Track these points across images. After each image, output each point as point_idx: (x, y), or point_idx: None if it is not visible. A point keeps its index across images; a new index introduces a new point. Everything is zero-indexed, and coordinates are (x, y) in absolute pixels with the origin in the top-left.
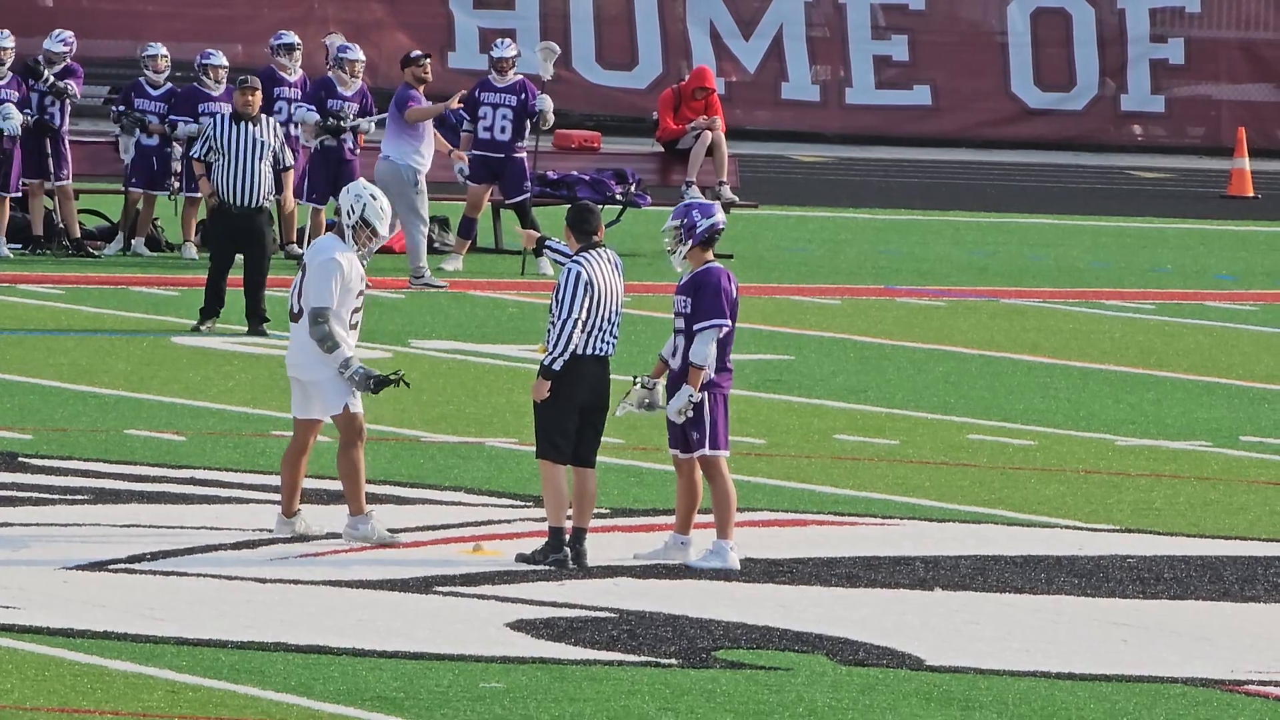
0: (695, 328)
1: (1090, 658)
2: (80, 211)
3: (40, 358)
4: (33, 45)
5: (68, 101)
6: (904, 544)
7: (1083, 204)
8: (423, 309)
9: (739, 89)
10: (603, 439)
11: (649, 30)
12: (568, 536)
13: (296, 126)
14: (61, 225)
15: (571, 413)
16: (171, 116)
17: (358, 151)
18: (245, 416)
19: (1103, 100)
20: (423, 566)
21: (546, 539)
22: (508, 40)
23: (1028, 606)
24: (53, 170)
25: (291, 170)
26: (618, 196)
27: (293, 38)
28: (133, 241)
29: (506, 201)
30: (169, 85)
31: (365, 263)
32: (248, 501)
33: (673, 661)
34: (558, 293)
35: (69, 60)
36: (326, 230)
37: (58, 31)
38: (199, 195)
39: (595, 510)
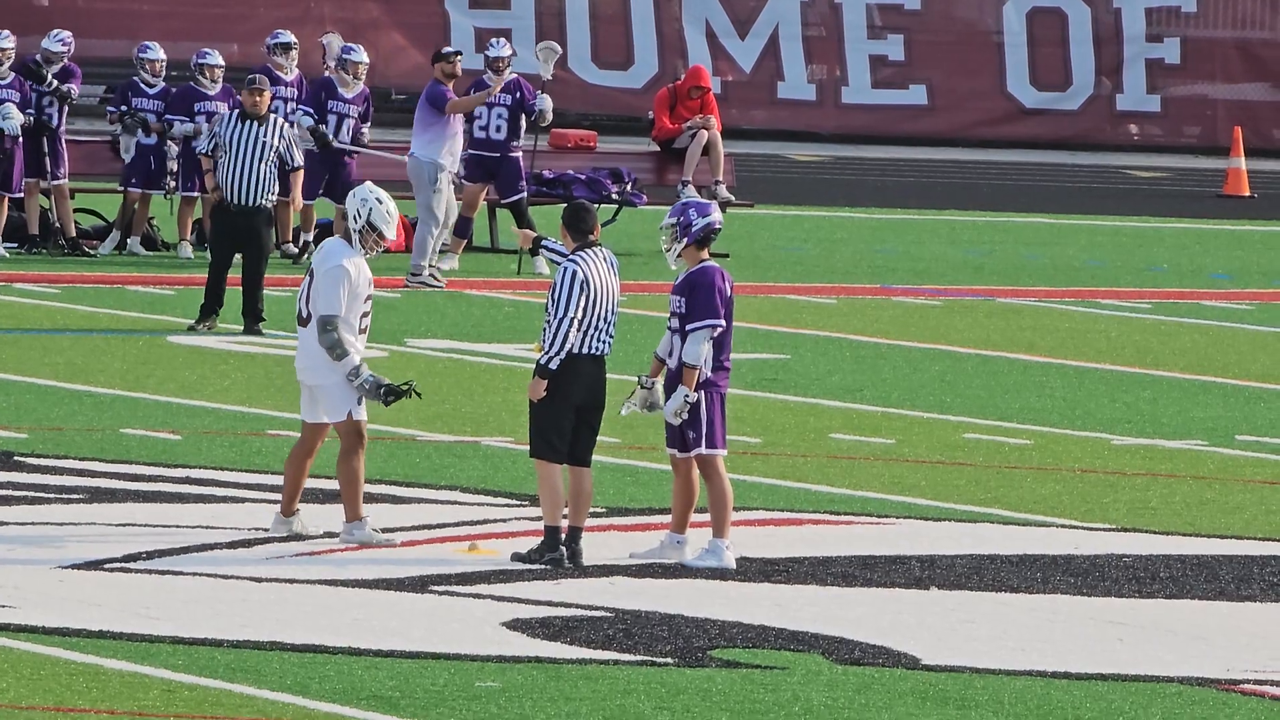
0: (688, 327)
1: (1086, 657)
2: (76, 210)
3: (36, 357)
4: (29, 45)
5: (68, 104)
6: (900, 543)
7: (1079, 203)
8: (419, 308)
9: (735, 88)
10: (599, 438)
11: (645, 30)
12: (564, 535)
13: (293, 127)
14: (57, 224)
15: (568, 411)
16: (168, 116)
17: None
18: (241, 415)
19: (1099, 100)
20: (418, 566)
21: (542, 538)
22: (503, 40)
23: (1024, 605)
24: (49, 169)
25: (300, 171)
26: (614, 196)
27: (289, 37)
28: (128, 241)
29: (502, 201)
30: (163, 84)
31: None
32: (243, 501)
33: (668, 660)
34: (554, 292)
35: (67, 60)
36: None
37: (56, 31)
38: (195, 194)
39: (591, 509)
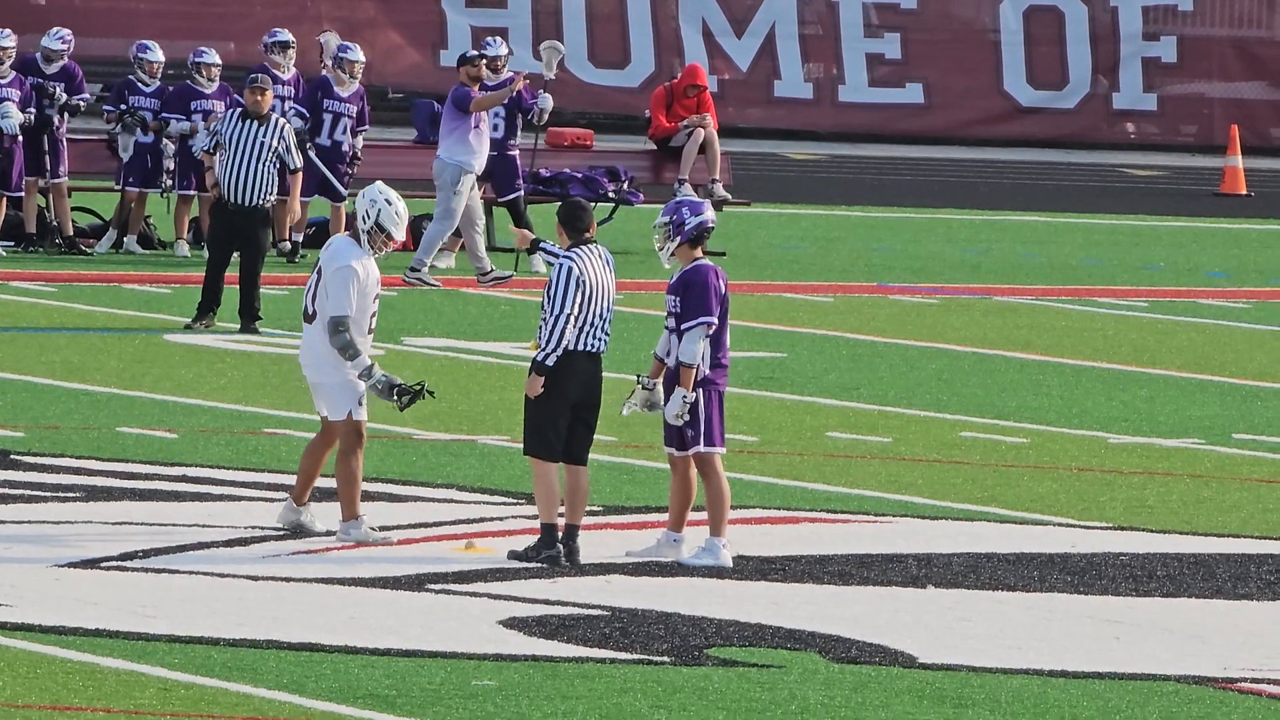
0: (683, 326)
1: (1083, 655)
2: (73, 209)
3: (32, 355)
4: (26, 43)
5: (77, 108)
6: (897, 541)
7: (1075, 202)
8: (416, 307)
9: (731, 87)
10: (596, 436)
11: (641, 28)
12: (560, 534)
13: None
14: (55, 223)
15: (564, 409)
16: (164, 114)
17: (351, 170)
18: (237, 414)
19: (1095, 98)
20: (415, 564)
21: (539, 536)
22: (499, 39)
23: (1021, 604)
24: (49, 167)
25: (299, 174)
26: (610, 194)
27: (287, 36)
28: (125, 239)
29: (499, 199)
30: (159, 83)
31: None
32: (240, 499)
33: (665, 659)
34: (549, 289)
35: (67, 58)
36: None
37: (56, 29)
38: (191, 193)
39: (588, 508)
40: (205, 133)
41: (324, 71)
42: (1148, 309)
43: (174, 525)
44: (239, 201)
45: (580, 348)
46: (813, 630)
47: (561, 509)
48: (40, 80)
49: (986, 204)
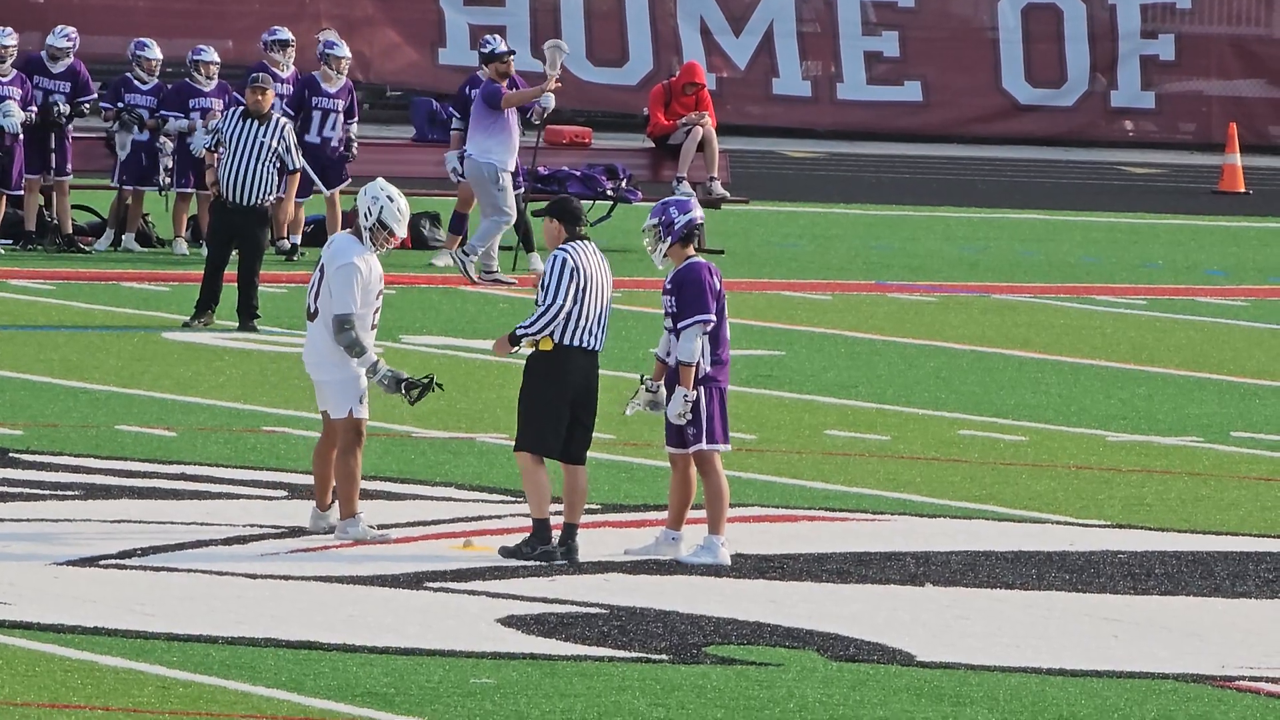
0: (680, 325)
1: (1081, 653)
2: (71, 207)
3: (31, 353)
4: (26, 41)
5: (82, 112)
6: (895, 539)
7: (1074, 199)
8: (414, 304)
9: (730, 85)
10: (595, 435)
11: (639, 26)
12: (561, 531)
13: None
14: (55, 221)
15: (562, 405)
16: (162, 111)
17: (351, 155)
18: (236, 412)
19: (1094, 96)
20: (413, 562)
21: (532, 531)
22: (497, 37)
23: (1019, 602)
24: (55, 165)
25: (297, 174)
26: (609, 192)
27: (286, 34)
28: (123, 237)
29: None
30: (157, 81)
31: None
32: (238, 497)
33: (663, 657)
34: (544, 281)
35: (72, 56)
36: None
37: (60, 27)
38: (189, 191)
39: (586, 506)
40: (203, 131)
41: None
42: (1146, 307)
43: (172, 523)
44: (238, 200)
45: (576, 344)
46: (811, 628)
47: (555, 507)
48: (44, 89)
49: (985, 202)
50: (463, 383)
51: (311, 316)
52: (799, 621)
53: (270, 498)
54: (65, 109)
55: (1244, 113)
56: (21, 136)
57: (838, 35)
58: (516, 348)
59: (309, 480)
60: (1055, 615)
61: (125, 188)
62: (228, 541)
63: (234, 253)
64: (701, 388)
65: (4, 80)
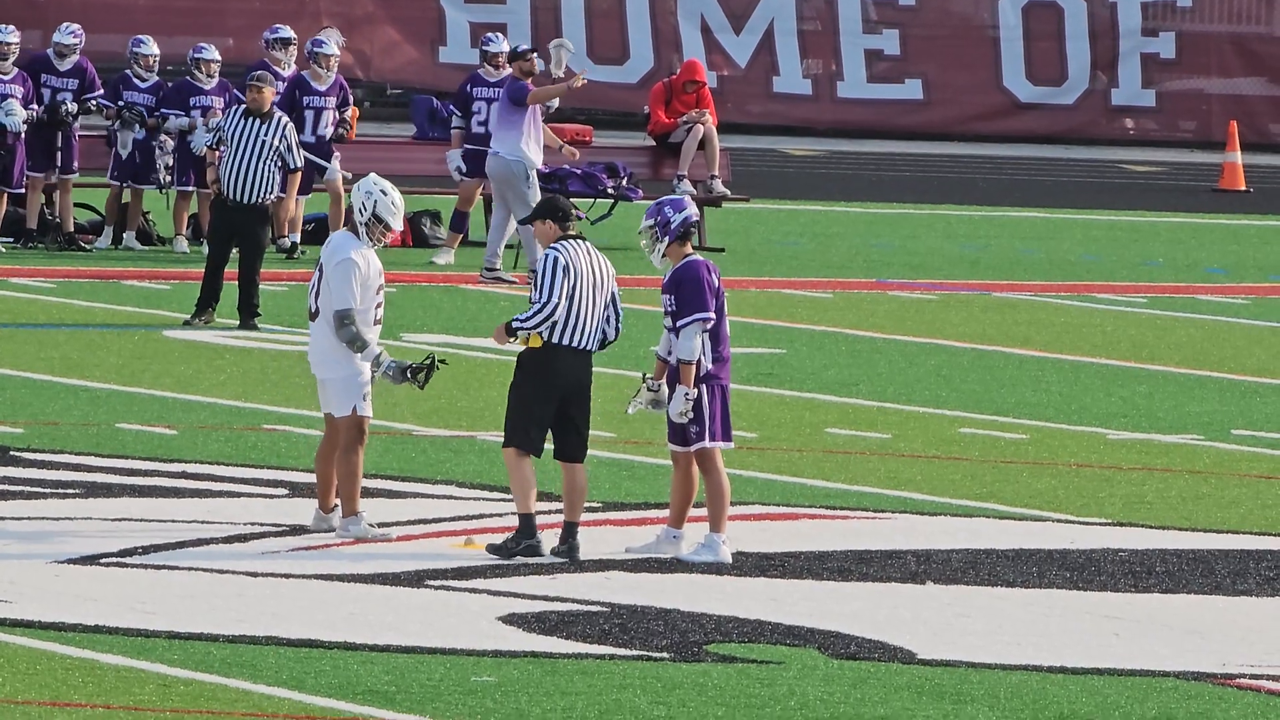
0: (679, 324)
1: (1082, 651)
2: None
3: (31, 351)
4: (27, 39)
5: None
6: (896, 538)
7: (1074, 198)
8: (414, 302)
9: (730, 83)
10: (595, 433)
11: (640, 25)
12: (557, 530)
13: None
14: (56, 219)
15: (548, 404)
16: (163, 109)
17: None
18: (237, 410)
19: (1094, 94)
20: (414, 560)
21: (517, 527)
22: (499, 35)
23: (1019, 600)
24: (60, 163)
25: (299, 173)
26: (609, 191)
27: (288, 32)
28: (124, 235)
29: None
30: (156, 78)
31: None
32: (239, 495)
33: (664, 655)
34: (538, 279)
35: (78, 54)
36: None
37: (66, 24)
38: (190, 189)
39: (587, 504)
40: (204, 129)
41: (305, 71)
42: (1146, 305)
43: (173, 521)
44: (239, 199)
45: (565, 343)
46: (812, 626)
47: (555, 505)
48: (52, 87)
49: (985, 200)
50: (464, 381)
51: (313, 316)
52: (800, 619)
53: (271, 496)
54: (73, 107)
55: (1244, 111)
56: (23, 134)
57: (838, 33)
58: (513, 339)
59: (310, 478)
60: (1056, 613)
61: (119, 184)
62: (228, 540)
63: (235, 251)
64: (703, 385)
65: (5, 78)
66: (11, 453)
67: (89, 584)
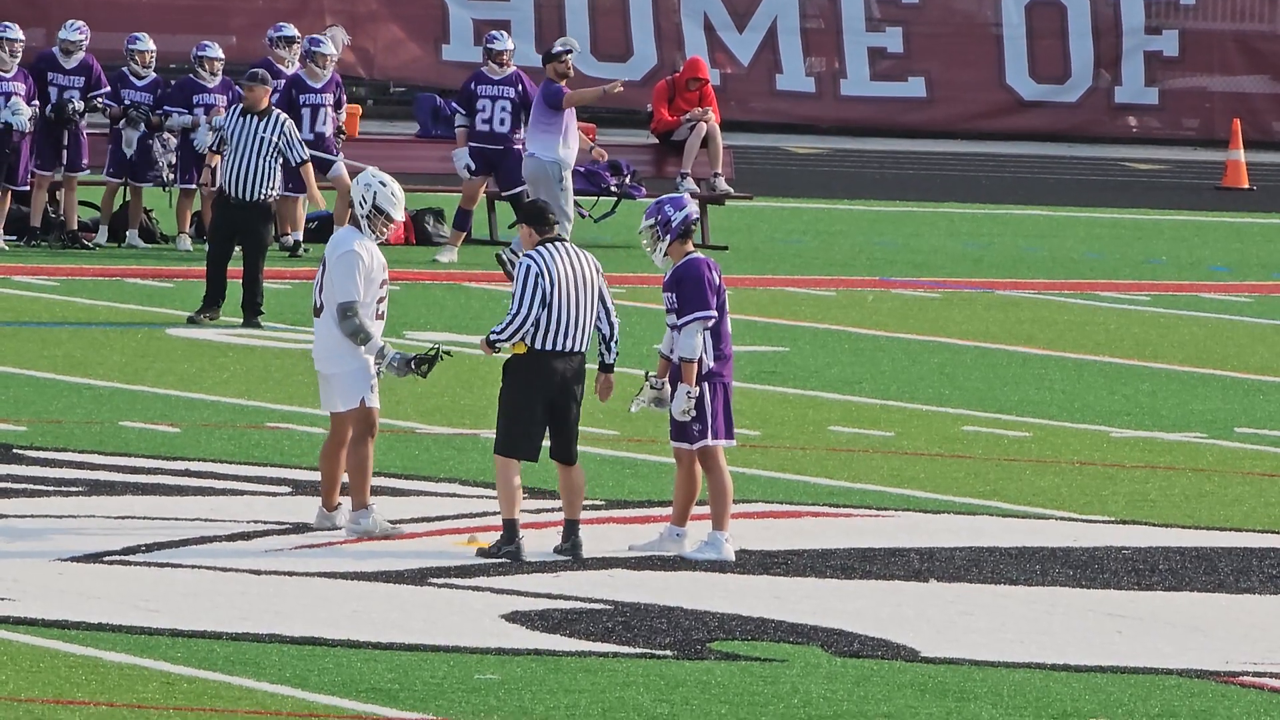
0: (680, 322)
1: (1085, 649)
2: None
3: (35, 349)
4: (30, 37)
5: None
6: (899, 535)
7: (1077, 196)
8: (418, 300)
9: (733, 81)
10: (599, 431)
11: (643, 22)
12: (558, 528)
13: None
14: (60, 217)
15: (535, 410)
16: (165, 107)
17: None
18: (240, 408)
19: (1097, 92)
20: (417, 558)
21: (501, 532)
22: (503, 33)
23: (1023, 598)
24: (67, 161)
25: (308, 164)
26: (612, 188)
27: (292, 31)
28: (127, 233)
29: (503, 194)
30: (153, 76)
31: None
32: (242, 493)
33: (668, 653)
34: (513, 288)
35: (84, 50)
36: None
37: (71, 21)
38: (193, 187)
39: (591, 502)
40: (207, 127)
41: (300, 69)
42: (1150, 303)
43: (176, 520)
44: (240, 196)
45: (549, 347)
46: (815, 624)
47: (553, 503)
48: (59, 85)
49: (988, 198)
50: (467, 378)
51: (317, 312)
52: (803, 617)
53: (274, 494)
54: (79, 105)
55: (1247, 109)
56: (29, 133)
57: (841, 31)
58: (496, 352)
59: (313, 476)
60: (1059, 611)
61: (113, 180)
62: (232, 538)
63: (237, 249)
64: (706, 384)
65: (7, 76)
66: (15, 451)
67: (92, 582)
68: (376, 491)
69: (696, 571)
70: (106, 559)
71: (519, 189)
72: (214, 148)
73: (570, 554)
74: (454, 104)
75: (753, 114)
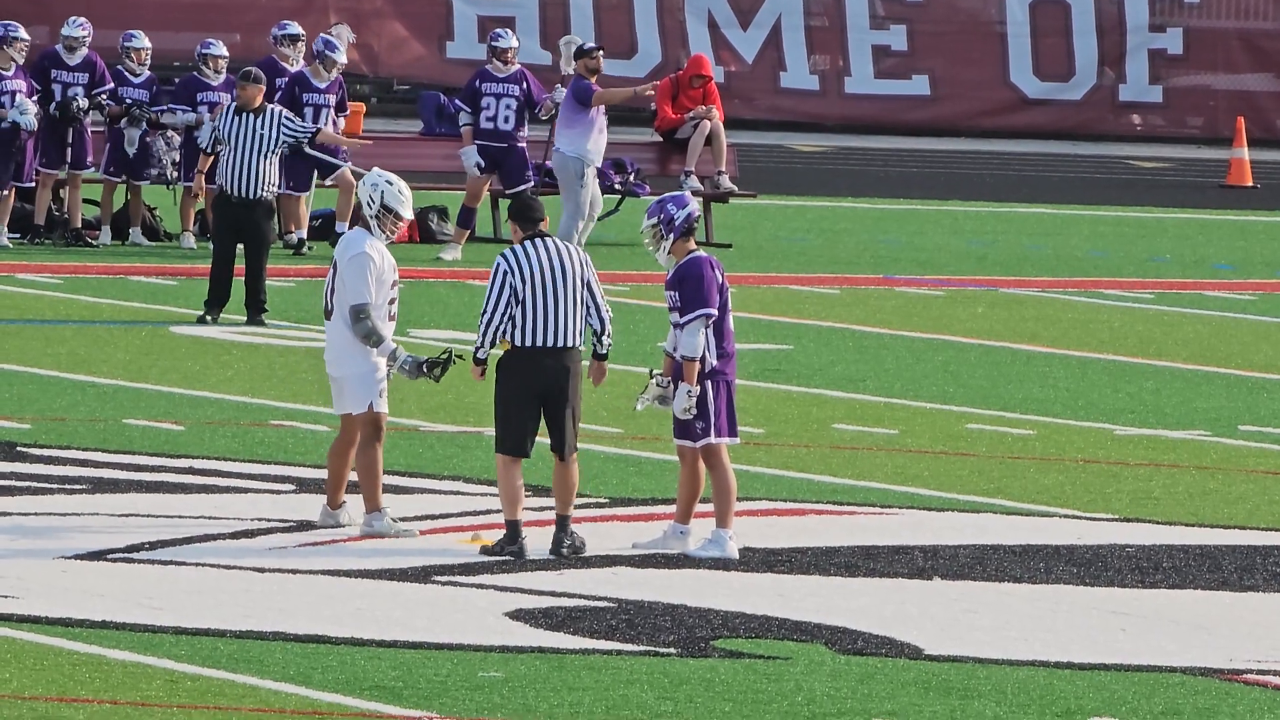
0: (682, 320)
1: (1089, 646)
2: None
3: (39, 347)
4: (33, 36)
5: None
6: (902, 533)
7: (1081, 193)
8: (422, 298)
9: (737, 79)
10: (602, 428)
11: (647, 19)
12: (555, 526)
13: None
14: (64, 215)
15: (523, 406)
16: (171, 105)
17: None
18: (244, 406)
19: (1101, 90)
20: (421, 556)
21: (504, 532)
22: (508, 31)
23: (1026, 595)
24: (72, 159)
25: (319, 132)
26: (616, 186)
27: (297, 29)
28: (130, 230)
29: (507, 191)
30: (148, 73)
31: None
32: (246, 491)
33: (671, 651)
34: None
35: (87, 46)
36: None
37: (74, 18)
38: None
39: (595, 500)
40: (210, 125)
41: (308, 67)
42: (1154, 301)
43: (180, 517)
44: (241, 194)
45: (530, 344)
46: (819, 622)
47: (546, 501)
48: (63, 83)
49: (992, 196)
50: (470, 377)
51: (328, 314)
52: (807, 615)
53: (278, 492)
54: (84, 103)
55: (1251, 107)
56: (34, 131)
57: (845, 29)
58: (483, 367)
59: (317, 474)
60: (1063, 608)
61: (113, 179)
62: (235, 535)
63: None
64: (709, 381)
65: (8, 75)
66: (19, 448)
67: (96, 579)
68: (382, 489)
69: (700, 569)
70: (110, 557)
71: (523, 187)
72: (207, 149)
73: (554, 550)
74: (458, 102)
75: (757, 112)
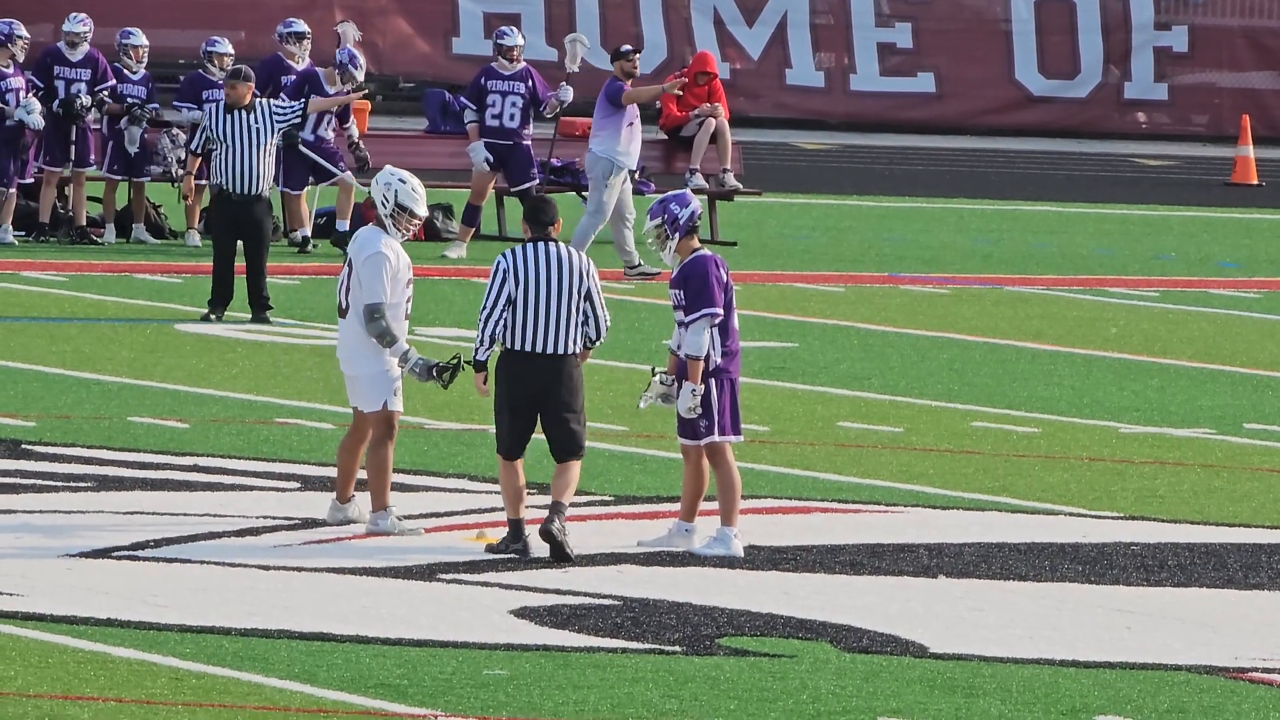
0: (687, 319)
1: (1094, 645)
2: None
3: (43, 345)
4: (36, 33)
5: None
6: (908, 531)
7: (1086, 191)
8: (426, 296)
9: (743, 76)
10: (607, 426)
11: (653, 17)
12: (549, 509)
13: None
14: (68, 213)
15: (515, 408)
16: (175, 102)
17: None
18: (248, 404)
19: (1106, 88)
20: (426, 554)
21: (507, 531)
22: (514, 28)
23: (1031, 593)
24: (76, 156)
25: (309, 100)
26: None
27: (302, 26)
28: (134, 228)
29: (512, 189)
30: (145, 71)
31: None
32: (251, 489)
33: (676, 649)
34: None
35: (88, 43)
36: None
37: (75, 14)
38: (202, 182)
39: (599, 497)
40: (201, 125)
41: (321, 68)
42: (1159, 299)
43: (185, 515)
44: (241, 191)
45: (518, 347)
46: (824, 620)
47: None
48: (66, 79)
49: (998, 193)
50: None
51: (342, 313)
52: (812, 613)
53: (283, 489)
54: (87, 100)
55: (1257, 104)
56: (40, 130)
57: (851, 26)
58: (484, 371)
59: (322, 472)
60: (1068, 607)
61: (114, 177)
62: (240, 533)
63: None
64: (713, 380)
65: (8, 74)
66: (23, 446)
67: (101, 577)
68: None
69: (705, 567)
70: (115, 554)
71: (527, 185)
72: (197, 150)
73: (543, 536)
74: (463, 99)
75: (762, 109)
